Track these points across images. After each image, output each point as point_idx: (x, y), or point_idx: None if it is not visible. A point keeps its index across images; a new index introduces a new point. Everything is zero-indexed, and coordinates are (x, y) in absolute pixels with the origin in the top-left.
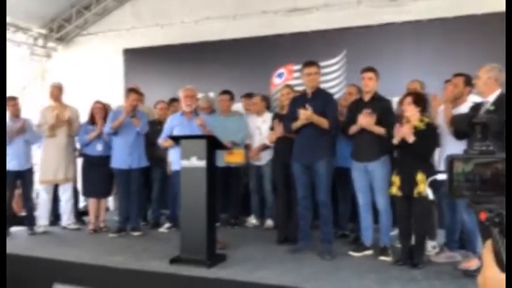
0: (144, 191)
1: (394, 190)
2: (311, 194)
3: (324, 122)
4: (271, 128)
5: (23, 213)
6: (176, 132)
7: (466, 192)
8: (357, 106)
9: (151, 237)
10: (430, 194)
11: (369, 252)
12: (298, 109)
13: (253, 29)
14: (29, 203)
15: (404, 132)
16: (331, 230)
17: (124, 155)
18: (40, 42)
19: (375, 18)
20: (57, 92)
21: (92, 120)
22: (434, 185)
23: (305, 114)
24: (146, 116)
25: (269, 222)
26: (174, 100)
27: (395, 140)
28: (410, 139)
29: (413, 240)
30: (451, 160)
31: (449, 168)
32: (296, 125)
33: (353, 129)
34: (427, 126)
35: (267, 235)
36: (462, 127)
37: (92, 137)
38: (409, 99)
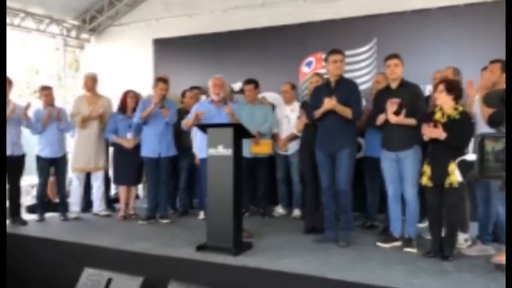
0: (172, 180)
1: (425, 180)
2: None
3: (348, 112)
4: (299, 117)
5: (57, 200)
6: (204, 120)
7: (497, 173)
8: (385, 95)
9: (179, 225)
10: (459, 176)
11: (398, 243)
12: (322, 98)
13: (282, 18)
14: (62, 190)
15: (434, 134)
16: (350, 218)
17: (153, 144)
18: (73, 33)
19: (409, 4)
20: (91, 82)
21: (122, 109)
22: (463, 168)
23: (330, 103)
24: (175, 106)
25: (296, 212)
26: (194, 88)
27: (426, 138)
28: (442, 137)
29: (444, 232)
30: (481, 139)
31: (480, 147)
32: (318, 112)
33: (380, 118)
34: (461, 115)
35: (294, 225)
36: (493, 103)
37: (117, 141)
38: (441, 86)
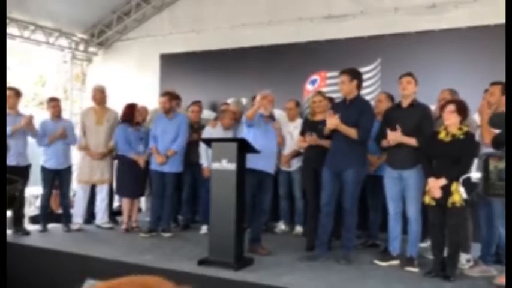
0: (176, 194)
1: (428, 199)
2: (336, 202)
3: (351, 132)
4: (301, 133)
5: (60, 211)
6: (253, 131)
7: (501, 192)
8: (394, 113)
9: (181, 239)
10: (464, 193)
11: (395, 262)
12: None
13: (287, 36)
14: (65, 201)
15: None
16: (353, 237)
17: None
18: (81, 47)
19: (413, 26)
20: (100, 95)
21: (129, 121)
22: (468, 186)
23: (331, 123)
24: (186, 121)
25: (298, 229)
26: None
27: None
28: (437, 194)
29: (446, 252)
30: (486, 158)
31: (485, 166)
32: (325, 131)
33: (384, 144)
34: (465, 135)
35: (296, 241)
36: (499, 124)
37: (133, 158)
38: (451, 107)
